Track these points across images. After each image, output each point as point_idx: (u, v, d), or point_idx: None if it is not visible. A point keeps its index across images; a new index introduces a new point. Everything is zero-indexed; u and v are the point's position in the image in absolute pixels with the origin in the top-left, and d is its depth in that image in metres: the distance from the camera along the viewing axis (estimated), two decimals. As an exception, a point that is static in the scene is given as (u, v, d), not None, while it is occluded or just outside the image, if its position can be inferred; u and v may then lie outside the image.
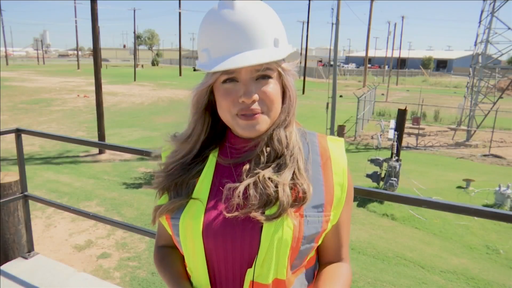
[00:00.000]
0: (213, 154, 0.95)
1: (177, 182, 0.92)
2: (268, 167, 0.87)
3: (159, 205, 0.92)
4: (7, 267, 2.88)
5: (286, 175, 0.85)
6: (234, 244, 0.85)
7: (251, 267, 0.84)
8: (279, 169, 0.87)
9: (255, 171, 0.86)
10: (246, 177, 0.86)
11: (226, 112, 0.86)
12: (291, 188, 0.84)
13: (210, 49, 0.84)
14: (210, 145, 0.96)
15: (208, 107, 0.93)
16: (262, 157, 0.88)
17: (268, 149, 0.89)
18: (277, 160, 0.88)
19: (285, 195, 0.82)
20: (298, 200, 0.84)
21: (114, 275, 4.93)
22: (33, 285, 2.68)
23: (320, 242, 0.92)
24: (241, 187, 0.84)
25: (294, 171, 0.86)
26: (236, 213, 0.83)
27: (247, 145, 0.92)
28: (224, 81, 0.85)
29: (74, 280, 2.78)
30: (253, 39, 0.82)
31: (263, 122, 0.86)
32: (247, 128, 0.85)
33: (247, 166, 0.88)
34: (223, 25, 0.82)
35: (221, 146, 0.96)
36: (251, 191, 0.84)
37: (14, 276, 2.75)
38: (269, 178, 0.84)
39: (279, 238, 0.82)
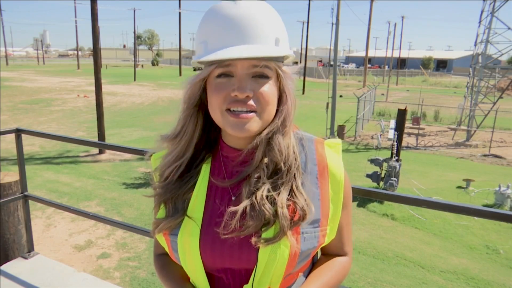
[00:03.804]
0: (206, 165, 0.92)
1: (173, 196, 0.89)
2: (265, 183, 0.83)
3: (158, 221, 0.90)
4: (7, 267, 2.88)
5: (284, 195, 0.82)
6: (232, 261, 0.84)
7: (248, 281, 0.84)
8: (276, 186, 0.83)
9: (252, 191, 0.83)
10: (244, 198, 0.83)
11: (216, 109, 0.82)
12: (288, 206, 0.82)
13: (208, 41, 0.81)
14: (202, 152, 0.92)
15: (201, 107, 0.89)
16: (260, 172, 0.84)
17: (266, 160, 0.84)
18: (275, 175, 0.84)
19: (284, 218, 0.80)
20: (297, 220, 0.82)
21: (114, 275, 4.93)
22: (33, 285, 2.67)
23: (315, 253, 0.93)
24: (240, 210, 0.82)
25: (291, 188, 0.83)
26: (232, 235, 0.82)
27: (241, 155, 0.88)
28: (219, 76, 0.81)
29: (74, 280, 2.78)
30: (252, 34, 0.79)
31: (254, 122, 0.81)
32: (237, 126, 0.80)
33: (246, 186, 0.84)
34: (223, 18, 0.79)
35: (214, 155, 0.93)
36: (248, 212, 0.81)
37: (14, 276, 2.75)
38: (266, 197, 0.81)
39: (276, 257, 0.81)
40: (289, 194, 0.83)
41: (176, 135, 0.89)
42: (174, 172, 0.90)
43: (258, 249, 0.81)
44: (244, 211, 0.82)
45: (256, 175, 0.84)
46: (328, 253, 1.00)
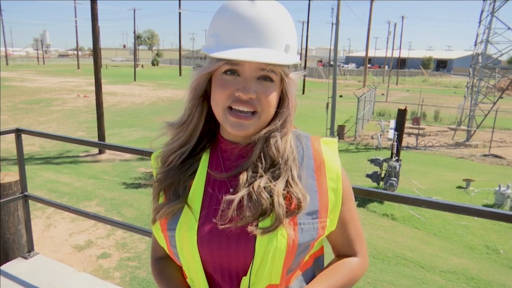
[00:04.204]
0: (206, 156, 0.94)
1: (173, 182, 0.91)
2: (262, 176, 0.85)
3: (158, 206, 0.91)
4: (7, 267, 2.88)
5: (280, 185, 0.84)
6: (229, 254, 0.85)
7: (246, 275, 0.84)
8: (273, 177, 0.85)
9: (250, 181, 0.85)
10: (242, 188, 0.85)
11: (218, 105, 0.85)
12: (284, 197, 0.83)
13: (221, 35, 0.82)
14: (204, 140, 0.94)
15: (206, 97, 0.91)
16: (258, 165, 0.86)
17: (264, 156, 0.86)
18: (272, 168, 0.86)
19: (280, 207, 0.81)
20: (293, 209, 0.83)
21: (114, 275, 4.93)
22: (33, 285, 2.68)
23: (315, 247, 0.93)
24: (236, 199, 0.83)
25: (287, 180, 0.85)
26: (229, 225, 0.82)
27: (238, 149, 0.90)
28: (225, 72, 0.83)
29: (74, 280, 2.78)
30: (266, 38, 0.81)
31: (252, 125, 0.84)
32: (236, 126, 0.84)
33: (243, 177, 0.86)
34: (239, 16, 0.81)
35: (212, 148, 0.95)
36: (245, 202, 0.83)
37: (14, 276, 2.75)
38: (264, 188, 0.83)
39: (273, 248, 0.81)
40: (285, 184, 0.85)
41: (183, 122, 0.92)
42: (177, 158, 0.92)
43: (255, 241, 0.82)
44: (241, 201, 0.83)
45: (253, 169, 0.86)
46: (339, 254, 1.00)
